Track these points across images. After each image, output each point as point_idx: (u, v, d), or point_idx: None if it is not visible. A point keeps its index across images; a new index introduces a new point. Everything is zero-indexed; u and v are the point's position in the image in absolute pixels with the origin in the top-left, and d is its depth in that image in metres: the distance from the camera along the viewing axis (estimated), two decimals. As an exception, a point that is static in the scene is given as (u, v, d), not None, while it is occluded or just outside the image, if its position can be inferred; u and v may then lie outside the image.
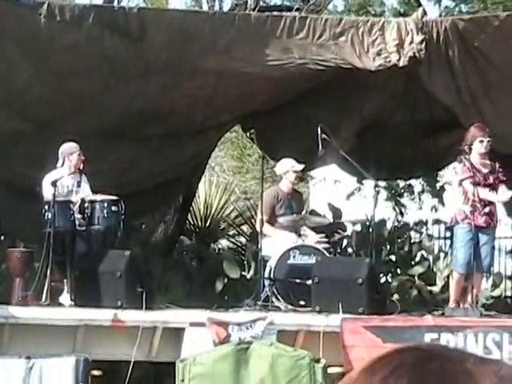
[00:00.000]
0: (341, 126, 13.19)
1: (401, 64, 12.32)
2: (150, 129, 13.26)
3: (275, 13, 15.14)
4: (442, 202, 18.72)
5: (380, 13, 21.06)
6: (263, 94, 13.19)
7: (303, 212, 12.95)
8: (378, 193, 15.77)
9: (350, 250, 15.12)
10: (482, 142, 11.39)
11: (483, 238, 11.49)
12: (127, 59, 12.43)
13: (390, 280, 14.62)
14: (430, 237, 17.25)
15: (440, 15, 18.75)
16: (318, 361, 6.23)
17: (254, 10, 18.00)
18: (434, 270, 15.54)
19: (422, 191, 19.56)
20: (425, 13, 14.23)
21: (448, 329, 10.12)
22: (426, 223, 17.38)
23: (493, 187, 11.41)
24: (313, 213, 14.85)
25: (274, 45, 12.52)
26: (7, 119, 12.63)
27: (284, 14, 14.37)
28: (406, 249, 15.90)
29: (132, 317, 10.75)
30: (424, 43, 12.26)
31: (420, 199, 19.62)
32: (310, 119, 12.53)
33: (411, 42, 12.27)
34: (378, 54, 12.40)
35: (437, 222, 17.45)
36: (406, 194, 19.64)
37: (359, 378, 1.01)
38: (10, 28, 12.11)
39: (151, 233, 15.45)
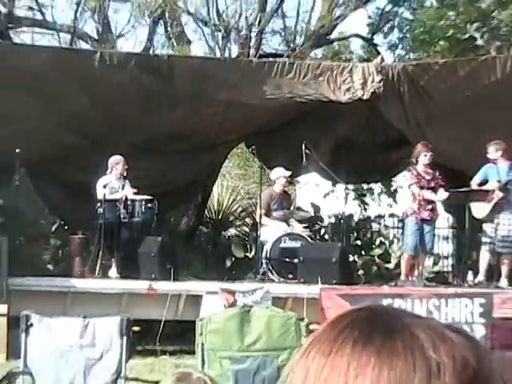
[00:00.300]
0: (319, 143, 13.17)
1: (364, 97, 12.30)
2: (175, 145, 13.24)
3: (270, 59, 15.14)
4: (395, 200, 18.78)
5: (349, 59, 21.13)
6: (261, 120, 13.18)
7: (291, 208, 12.94)
8: (347, 194, 15.73)
9: (326, 236, 15.10)
10: (425, 155, 11.37)
11: (427, 228, 11.47)
12: (159, 93, 12.41)
13: (356, 259, 14.60)
14: (386, 227, 17.26)
15: (394, 61, 18.78)
16: (302, 320, 6.22)
17: (254, 56, 18.04)
18: (390, 251, 15.52)
19: (381, 192, 19.62)
20: (382, 59, 14.26)
21: (400, 296, 10.09)
22: (383, 216, 17.38)
23: (434, 190, 11.40)
24: (299, 209, 14.85)
25: (269, 83, 12.50)
26: (68, 136, 12.64)
27: (277, 59, 14.37)
28: (369, 236, 15.90)
29: (163, 286, 10.75)
30: (382, 82, 12.23)
31: (379, 198, 19.66)
32: (296, 138, 12.49)
33: (372, 81, 12.24)
34: (348, 89, 12.38)
35: (391, 215, 17.45)
36: (368, 195, 19.68)
37: (324, 330, 1.01)
38: (73, 70, 12.11)
39: (177, 224, 15.44)
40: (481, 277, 11.57)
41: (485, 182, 11.33)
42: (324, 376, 0.96)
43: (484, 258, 11.58)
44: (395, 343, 0.96)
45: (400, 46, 21.06)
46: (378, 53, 19.92)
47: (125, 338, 6.06)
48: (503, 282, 11.38)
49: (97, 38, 19.61)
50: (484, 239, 11.53)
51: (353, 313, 1.02)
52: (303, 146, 11.84)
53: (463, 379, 0.95)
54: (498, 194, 11.19)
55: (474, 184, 11.34)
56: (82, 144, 12.77)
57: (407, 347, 0.95)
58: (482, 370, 0.97)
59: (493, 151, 11.20)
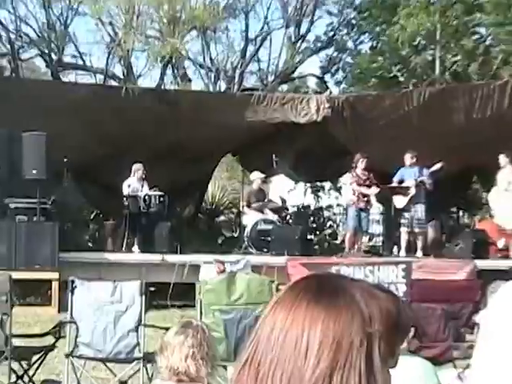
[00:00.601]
0: (285, 153, 13.14)
1: (318, 120, 12.34)
2: (180, 155, 13.18)
3: (249, 92, 15.13)
4: (341, 194, 18.77)
5: (306, 91, 21.20)
6: (243, 136, 13.15)
7: (265, 200, 12.93)
8: (305, 189, 15.81)
9: (291, 221, 15.11)
10: (362, 161, 11.43)
11: (363, 214, 11.53)
12: (168, 117, 12.37)
13: (313, 237, 14.63)
14: (334, 214, 17.30)
15: (339, 93, 18.83)
16: (273, 282, 6.24)
17: (237, 90, 18.06)
18: (337, 231, 15.59)
19: (330, 188, 19.59)
20: (331, 92, 14.29)
21: (344, 264, 10.12)
22: (332, 206, 17.41)
23: (368, 186, 11.44)
24: (270, 201, 14.79)
25: (248, 109, 12.51)
26: (102, 149, 12.55)
27: (254, 92, 14.36)
28: (321, 220, 15.94)
29: (172, 258, 10.71)
30: (331, 109, 12.28)
31: (329, 193, 19.66)
32: (269, 150, 12.49)
33: (324, 108, 12.28)
34: (306, 114, 12.41)
35: (338, 205, 17.47)
36: (321, 190, 19.69)
37: (286, 291, 1.01)
38: (105, 100, 12.08)
39: (182, 213, 15.40)
40: (402, 249, 11.64)
41: (401, 180, 11.45)
42: (287, 326, 0.96)
43: (404, 235, 11.65)
44: (338, 301, 0.96)
45: (343, 82, 21.25)
46: (328, 87, 20.13)
47: (144, 296, 6.05)
48: (419, 253, 11.48)
49: (123, 77, 19.64)
50: (403, 222, 11.60)
51: (307, 279, 1.02)
52: (273, 155, 11.87)
53: (388, 325, 0.96)
54: (413, 190, 11.31)
55: (394, 182, 11.45)
56: (112, 154, 12.69)
57: (347, 304, 0.96)
58: (402, 318, 0.98)
59: (408, 158, 11.34)
